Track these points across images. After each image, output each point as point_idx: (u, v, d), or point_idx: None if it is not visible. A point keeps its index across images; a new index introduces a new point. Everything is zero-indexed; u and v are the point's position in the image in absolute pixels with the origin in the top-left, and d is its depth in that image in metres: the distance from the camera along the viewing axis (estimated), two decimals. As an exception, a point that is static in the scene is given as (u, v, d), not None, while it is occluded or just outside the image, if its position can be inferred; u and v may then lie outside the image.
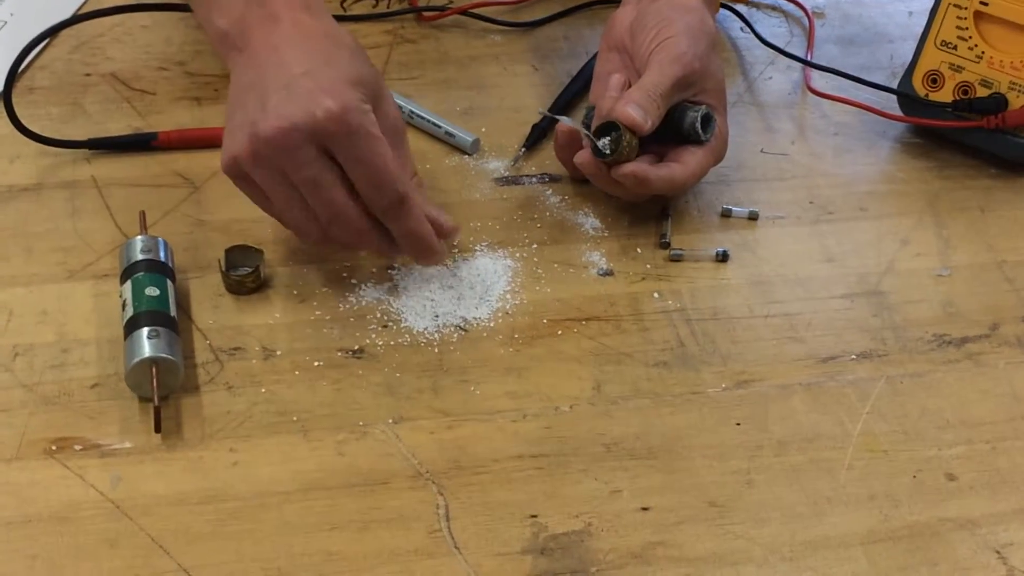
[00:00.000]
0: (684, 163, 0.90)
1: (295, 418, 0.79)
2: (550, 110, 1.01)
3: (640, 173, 0.89)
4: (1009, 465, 0.80)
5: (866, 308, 0.89)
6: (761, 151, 1.01)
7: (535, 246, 0.92)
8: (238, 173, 0.81)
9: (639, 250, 0.92)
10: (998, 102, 0.97)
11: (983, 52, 0.97)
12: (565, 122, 0.91)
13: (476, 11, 1.12)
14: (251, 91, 0.80)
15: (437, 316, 0.86)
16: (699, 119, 0.90)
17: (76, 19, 1.04)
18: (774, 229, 0.95)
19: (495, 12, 1.13)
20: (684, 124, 0.90)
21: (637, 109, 0.88)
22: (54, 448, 0.77)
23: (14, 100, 0.96)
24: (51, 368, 0.81)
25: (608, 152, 0.88)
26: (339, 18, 1.10)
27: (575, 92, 1.03)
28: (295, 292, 0.87)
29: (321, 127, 0.77)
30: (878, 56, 1.12)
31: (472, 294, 0.88)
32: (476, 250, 0.91)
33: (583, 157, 0.90)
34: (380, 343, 0.84)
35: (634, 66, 0.93)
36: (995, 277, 0.92)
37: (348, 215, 0.81)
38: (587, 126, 0.91)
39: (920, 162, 1.02)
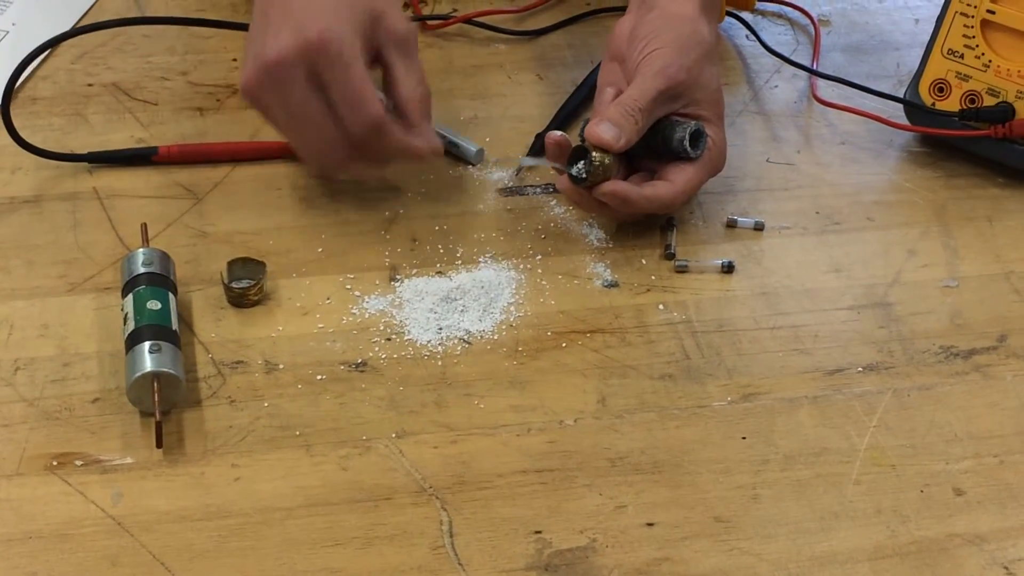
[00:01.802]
0: (672, 181, 0.89)
1: (298, 433, 0.79)
2: (547, 127, 1.00)
3: (620, 193, 0.88)
4: (1018, 479, 0.79)
5: (873, 320, 0.88)
6: (767, 161, 1.01)
7: (539, 257, 0.91)
8: (250, 100, 0.88)
9: (644, 261, 0.91)
10: (1005, 111, 0.96)
11: (990, 61, 0.97)
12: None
13: (480, 20, 1.11)
14: (259, 25, 0.87)
15: (441, 329, 0.85)
16: (687, 136, 0.89)
17: (73, 32, 1.04)
18: (780, 240, 0.94)
19: (499, 21, 1.12)
20: (673, 141, 0.89)
21: (608, 128, 0.87)
22: (55, 464, 0.76)
23: (15, 111, 0.95)
24: (52, 382, 0.81)
25: (583, 176, 0.88)
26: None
27: (578, 103, 1.03)
28: (298, 305, 0.87)
29: (304, 56, 0.84)
30: (884, 64, 1.12)
31: (476, 306, 0.87)
32: (480, 262, 0.90)
33: (562, 184, 0.89)
34: (383, 356, 0.83)
35: (626, 78, 0.92)
36: (1003, 288, 0.92)
37: (333, 144, 0.87)
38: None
39: (927, 172, 1.01)
